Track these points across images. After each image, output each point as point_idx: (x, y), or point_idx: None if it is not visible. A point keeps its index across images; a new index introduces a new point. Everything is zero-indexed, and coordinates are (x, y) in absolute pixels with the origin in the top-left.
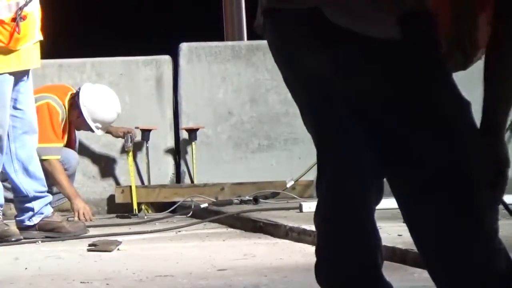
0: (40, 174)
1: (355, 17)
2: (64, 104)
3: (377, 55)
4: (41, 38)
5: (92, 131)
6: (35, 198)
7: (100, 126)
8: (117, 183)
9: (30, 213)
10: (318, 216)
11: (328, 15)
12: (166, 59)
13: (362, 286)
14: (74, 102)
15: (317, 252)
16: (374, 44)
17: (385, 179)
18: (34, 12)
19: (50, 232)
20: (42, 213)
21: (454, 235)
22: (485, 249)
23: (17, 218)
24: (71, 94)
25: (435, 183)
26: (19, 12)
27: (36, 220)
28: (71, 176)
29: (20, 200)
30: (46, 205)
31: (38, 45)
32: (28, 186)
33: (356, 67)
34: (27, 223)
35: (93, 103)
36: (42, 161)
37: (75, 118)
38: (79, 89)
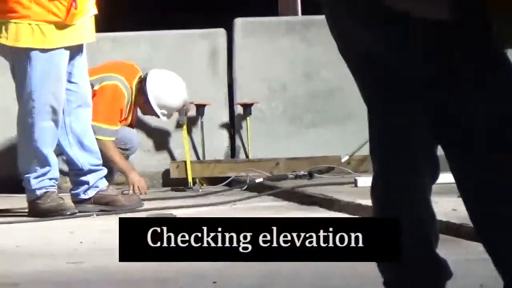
0: (95, 147)
1: (408, 3)
2: (131, 87)
3: (429, 35)
4: (96, 12)
5: (158, 116)
6: (90, 171)
7: (165, 112)
8: (172, 156)
9: (85, 186)
10: (374, 191)
11: None
12: (221, 32)
13: (415, 262)
14: (140, 87)
15: None
16: (426, 25)
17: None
18: None
19: (105, 205)
20: (97, 187)
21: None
22: None
23: (72, 192)
24: (139, 77)
25: (489, 147)
26: None
27: (91, 193)
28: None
29: (75, 173)
30: (101, 178)
31: (93, 19)
32: (83, 159)
33: (407, 46)
34: (82, 196)
35: (160, 90)
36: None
37: (141, 103)
38: (146, 74)
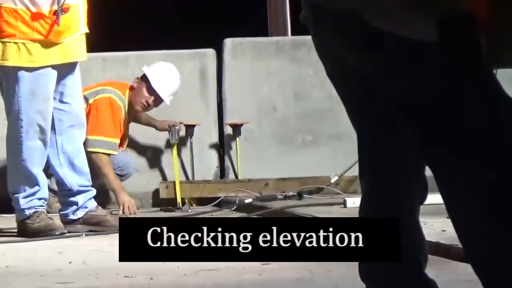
0: (86, 168)
1: (393, 21)
2: (125, 97)
3: (418, 57)
4: (87, 30)
5: (158, 104)
6: (79, 192)
7: (169, 93)
8: (162, 176)
9: (74, 207)
10: (362, 212)
11: (367, 18)
12: (210, 52)
13: (404, 283)
14: (136, 86)
15: None
16: (415, 47)
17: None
18: (79, 5)
19: (94, 226)
20: (86, 207)
21: (502, 233)
22: None
23: (61, 212)
24: (130, 87)
25: (479, 179)
26: (60, 4)
27: (80, 214)
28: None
29: (64, 194)
30: (90, 199)
31: (83, 38)
32: (73, 180)
33: (396, 68)
34: (71, 217)
35: (159, 74)
36: (91, 153)
37: (142, 101)
38: (141, 76)
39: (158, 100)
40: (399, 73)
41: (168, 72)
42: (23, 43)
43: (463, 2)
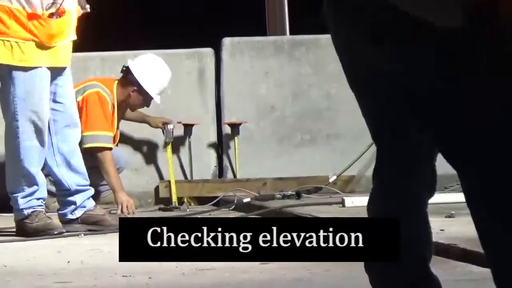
0: (82, 167)
1: (423, 9)
2: (112, 92)
3: (445, 50)
4: (75, 38)
5: (148, 101)
6: (77, 191)
7: (157, 91)
8: (160, 176)
9: (73, 206)
10: (372, 205)
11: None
12: (209, 52)
13: (406, 278)
14: (123, 81)
15: None
16: (442, 39)
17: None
18: (71, 11)
19: (92, 225)
20: (84, 207)
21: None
22: None
23: (60, 212)
24: (117, 82)
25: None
26: (57, 9)
27: (78, 213)
28: None
29: (62, 193)
30: (88, 198)
31: (71, 45)
32: (70, 179)
33: (424, 62)
34: (70, 216)
35: (147, 71)
36: (93, 149)
37: (129, 95)
38: (125, 66)
39: (147, 100)
40: (425, 66)
41: (156, 67)
42: (16, 42)
43: None
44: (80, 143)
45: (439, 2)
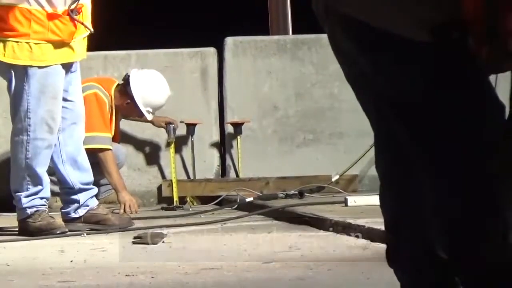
0: (87, 166)
1: (387, 20)
2: (110, 94)
3: (413, 57)
4: (92, 31)
5: (141, 116)
6: (81, 190)
7: (151, 110)
8: (162, 175)
9: (76, 205)
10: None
11: (363, 19)
12: (211, 51)
13: (426, 268)
14: (122, 89)
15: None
16: (410, 47)
17: None
18: (87, 5)
19: (95, 224)
20: (87, 206)
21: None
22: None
23: (63, 210)
24: (117, 85)
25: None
26: (75, 5)
27: (81, 212)
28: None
29: (66, 191)
30: (92, 197)
31: (86, 37)
32: (75, 177)
33: (394, 69)
34: (73, 215)
35: (144, 87)
36: (92, 149)
37: (124, 105)
38: (127, 75)
39: (139, 115)
40: (395, 73)
41: (155, 84)
42: (36, 43)
43: (455, 7)
44: None
45: (396, 14)
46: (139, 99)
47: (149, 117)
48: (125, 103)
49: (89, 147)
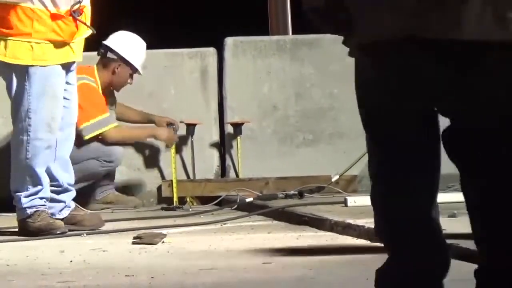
0: (71, 167)
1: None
2: (95, 79)
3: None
4: (94, 31)
5: (135, 72)
6: (66, 190)
7: (140, 63)
8: (162, 175)
9: (62, 205)
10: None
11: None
12: (211, 51)
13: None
14: (104, 61)
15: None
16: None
17: None
18: (88, 6)
19: (73, 225)
20: (69, 207)
21: None
22: None
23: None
24: (97, 64)
25: None
26: (78, 6)
27: (65, 213)
28: (114, 171)
29: (53, 190)
30: (71, 199)
31: (84, 39)
32: (62, 176)
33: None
34: (58, 216)
35: (126, 44)
36: (99, 134)
37: (114, 74)
38: (103, 45)
39: (132, 72)
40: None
41: (133, 40)
42: (37, 43)
43: None
44: (80, 136)
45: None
46: (128, 55)
47: (141, 70)
48: (116, 68)
49: (97, 133)
